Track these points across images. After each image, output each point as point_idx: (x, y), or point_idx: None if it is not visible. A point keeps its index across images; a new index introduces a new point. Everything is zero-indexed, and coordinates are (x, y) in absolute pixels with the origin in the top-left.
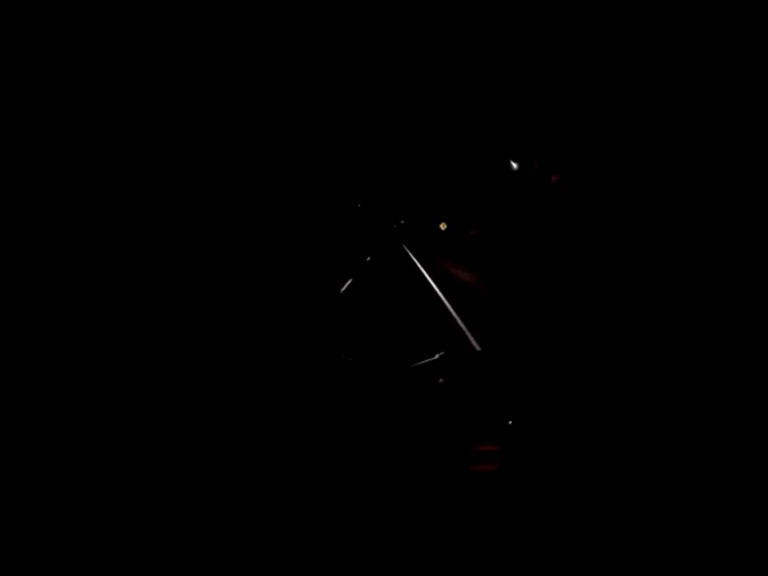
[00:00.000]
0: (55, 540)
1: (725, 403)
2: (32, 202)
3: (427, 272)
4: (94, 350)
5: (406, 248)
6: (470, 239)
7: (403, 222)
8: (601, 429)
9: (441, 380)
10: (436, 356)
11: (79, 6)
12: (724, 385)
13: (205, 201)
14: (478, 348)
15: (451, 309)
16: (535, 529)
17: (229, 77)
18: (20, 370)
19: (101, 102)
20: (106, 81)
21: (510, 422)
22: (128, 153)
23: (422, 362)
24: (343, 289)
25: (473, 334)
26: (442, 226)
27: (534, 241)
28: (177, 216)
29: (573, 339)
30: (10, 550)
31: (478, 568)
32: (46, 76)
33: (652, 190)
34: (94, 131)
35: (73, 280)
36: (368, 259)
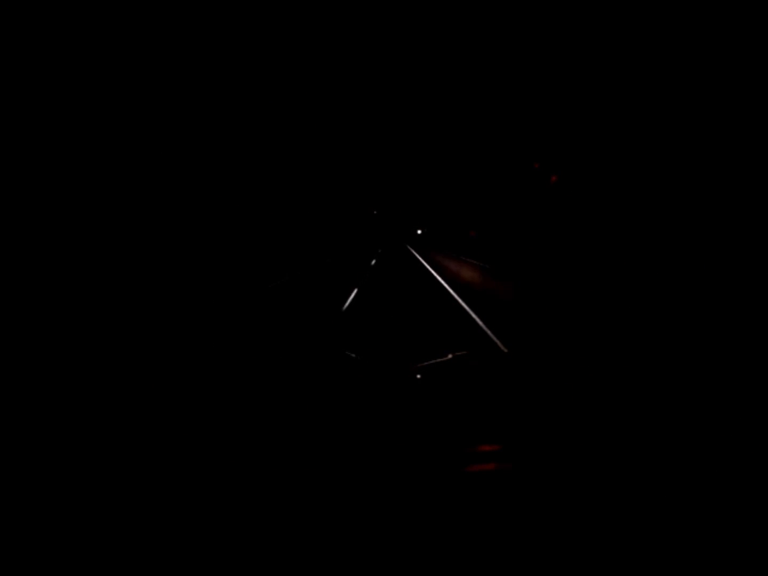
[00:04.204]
0: (54, 540)
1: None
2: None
3: (439, 274)
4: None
5: (414, 251)
6: (472, 240)
7: (417, 227)
8: (609, 432)
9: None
10: (449, 356)
11: (79, 6)
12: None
13: (222, 203)
14: (504, 350)
15: (470, 311)
16: (536, 531)
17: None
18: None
19: (98, 101)
20: (106, 81)
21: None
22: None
23: (433, 361)
24: (356, 289)
25: (498, 336)
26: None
27: (540, 241)
28: (192, 219)
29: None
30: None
31: (478, 569)
32: (46, 76)
33: (652, 190)
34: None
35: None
36: (373, 263)
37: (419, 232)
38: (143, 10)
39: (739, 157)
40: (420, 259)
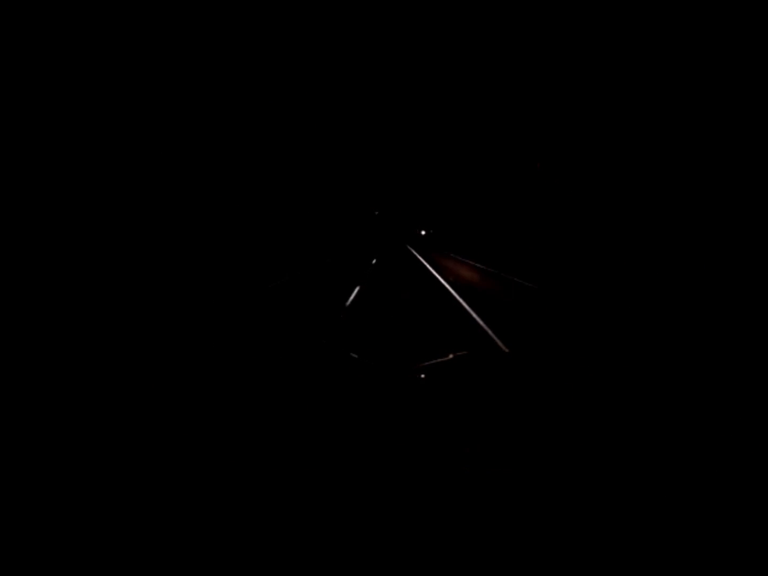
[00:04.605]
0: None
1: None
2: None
3: (439, 274)
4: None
5: (414, 251)
6: (473, 236)
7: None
8: (610, 431)
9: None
10: (450, 356)
11: (79, 6)
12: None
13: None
14: (505, 350)
15: (470, 310)
16: (535, 527)
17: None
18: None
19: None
20: (107, 81)
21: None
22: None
23: (434, 361)
24: (356, 290)
25: (499, 336)
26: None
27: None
28: (192, 218)
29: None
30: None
31: (478, 567)
32: (45, 76)
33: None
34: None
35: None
36: (374, 261)
37: (423, 233)
38: (144, 10)
39: (740, 159)
40: (421, 259)
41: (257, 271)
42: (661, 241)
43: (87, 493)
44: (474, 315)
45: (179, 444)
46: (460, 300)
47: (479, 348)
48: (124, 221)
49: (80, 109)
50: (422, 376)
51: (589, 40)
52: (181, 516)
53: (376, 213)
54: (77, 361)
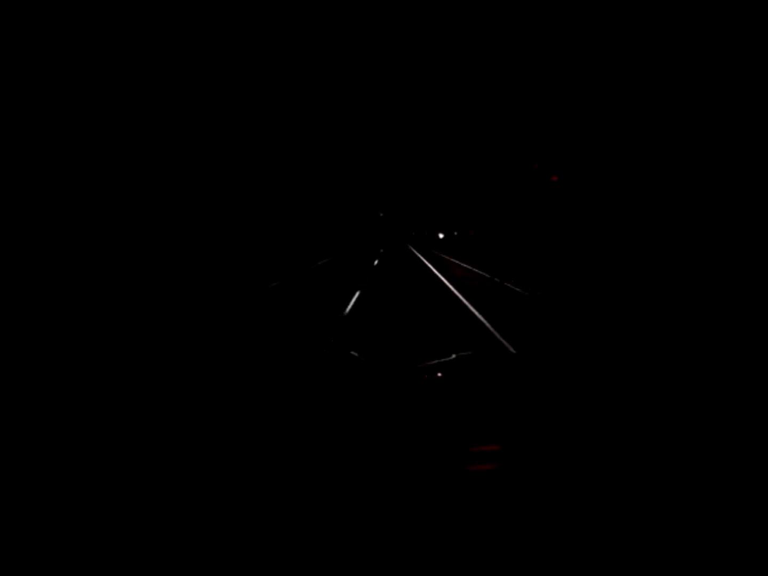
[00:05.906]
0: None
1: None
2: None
3: (443, 275)
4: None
5: (416, 251)
6: (472, 239)
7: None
8: (609, 432)
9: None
10: (453, 356)
11: (80, 7)
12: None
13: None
14: (512, 351)
15: (475, 311)
16: (534, 530)
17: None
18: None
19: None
20: (108, 82)
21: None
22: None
23: (436, 361)
24: (359, 291)
25: (505, 338)
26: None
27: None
28: (204, 220)
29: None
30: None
31: (478, 568)
32: (47, 77)
33: (651, 190)
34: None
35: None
36: (375, 263)
37: (441, 236)
38: (144, 10)
39: (737, 156)
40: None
41: (259, 272)
42: (665, 250)
43: (86, 493)
44: (478, 315)
45: (179, 437)
46: (466, 302)
47: (486, 349)
48: (129, 224)
49: (83, 112)
50: (439, 374)
51: (589, 44)
52: (180, 516)
53: (381, 215)
54: (78, 360)
